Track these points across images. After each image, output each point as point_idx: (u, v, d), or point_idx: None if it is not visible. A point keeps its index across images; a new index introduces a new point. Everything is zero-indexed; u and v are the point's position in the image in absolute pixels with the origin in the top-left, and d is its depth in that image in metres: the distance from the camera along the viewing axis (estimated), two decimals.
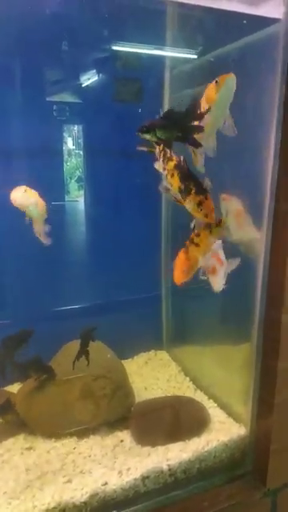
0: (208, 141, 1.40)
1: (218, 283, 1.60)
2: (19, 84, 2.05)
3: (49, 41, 1.94)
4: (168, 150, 1.58)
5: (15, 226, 2.12)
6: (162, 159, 1.62)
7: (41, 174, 2.21)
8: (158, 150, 1.65)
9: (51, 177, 2.35)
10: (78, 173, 2.52)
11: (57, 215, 2.36)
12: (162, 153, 1.62)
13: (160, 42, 2.15)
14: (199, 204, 1.50)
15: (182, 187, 1.51)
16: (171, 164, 1.59)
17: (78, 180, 2.53)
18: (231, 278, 1.68)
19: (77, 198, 2.53)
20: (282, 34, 1.50)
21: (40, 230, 1.74)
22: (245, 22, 1.50)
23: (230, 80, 1.26)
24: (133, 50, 2.20)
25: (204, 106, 1.33)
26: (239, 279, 1.79)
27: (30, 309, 2.20)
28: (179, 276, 1.75)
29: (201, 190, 1.51)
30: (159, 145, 1.59)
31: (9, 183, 2.10)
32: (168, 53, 2.26)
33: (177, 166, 1.55)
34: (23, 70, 2.05)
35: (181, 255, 1.74)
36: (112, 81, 2.28)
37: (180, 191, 1.53)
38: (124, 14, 1.74)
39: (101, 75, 2.25)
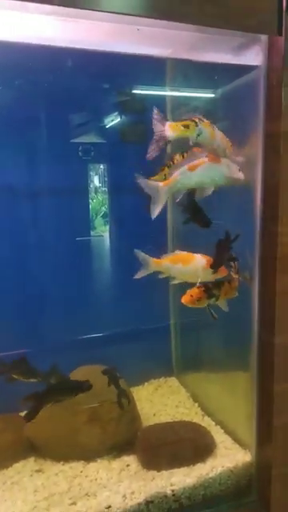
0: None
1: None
2: (48, 130, 2.26)
3: (72, 89, 2.15)
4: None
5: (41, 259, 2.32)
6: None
7: (68, 210, 2.40)
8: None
9: (78, 213, 2.51)
10: (103, 209, 2.68)
11: (82, 249, 2.54)
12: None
13: (161, 87, 2.34)
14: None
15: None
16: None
17: (104, 216, 2.68)
18: (231, 306, 1.78)
19: (102, 233, 2.68)
20: (261, 78, 1.67)
21: None
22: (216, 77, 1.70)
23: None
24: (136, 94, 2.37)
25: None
26: (238, 307, 1.87)
27: (46, 338, 2.30)
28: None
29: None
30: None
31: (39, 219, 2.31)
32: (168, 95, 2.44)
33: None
34: (52, 118, 2.25)
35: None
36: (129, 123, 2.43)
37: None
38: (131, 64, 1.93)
39: (123, 117, 2.41)
